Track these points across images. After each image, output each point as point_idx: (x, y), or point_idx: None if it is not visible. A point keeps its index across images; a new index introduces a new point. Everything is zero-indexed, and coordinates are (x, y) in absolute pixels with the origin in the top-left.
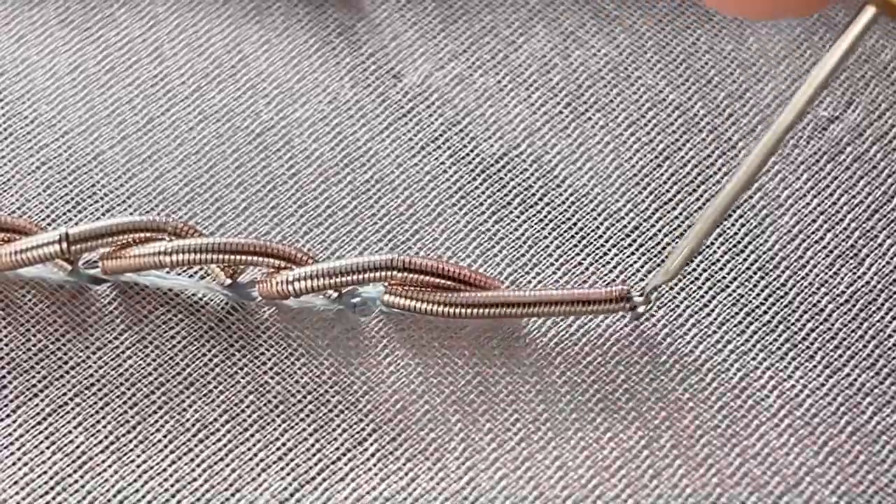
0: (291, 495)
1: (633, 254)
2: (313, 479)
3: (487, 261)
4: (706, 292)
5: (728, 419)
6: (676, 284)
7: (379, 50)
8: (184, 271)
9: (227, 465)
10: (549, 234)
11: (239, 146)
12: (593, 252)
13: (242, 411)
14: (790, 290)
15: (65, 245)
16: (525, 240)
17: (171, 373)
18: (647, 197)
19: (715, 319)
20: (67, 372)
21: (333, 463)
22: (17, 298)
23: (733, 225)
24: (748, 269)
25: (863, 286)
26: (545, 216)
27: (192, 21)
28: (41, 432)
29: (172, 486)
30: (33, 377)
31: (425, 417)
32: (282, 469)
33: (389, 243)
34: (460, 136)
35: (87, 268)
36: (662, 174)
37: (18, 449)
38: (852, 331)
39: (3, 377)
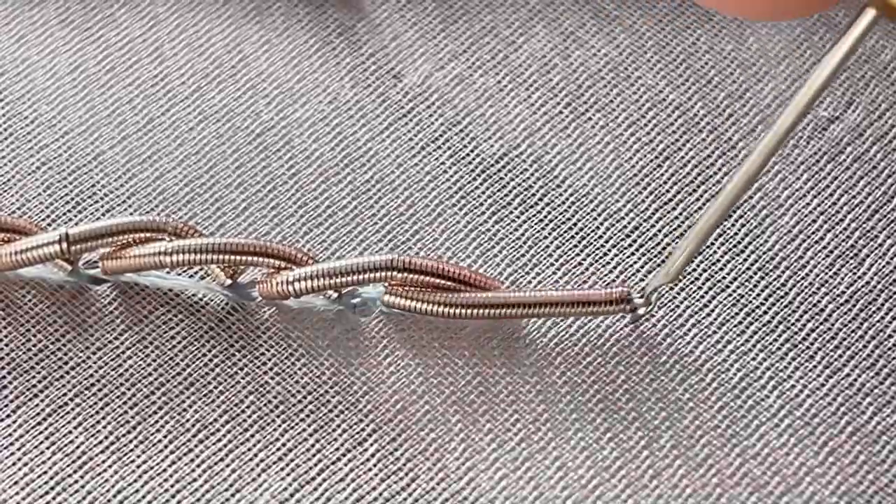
0: (291, 495)
1: (633, 254)
2: (313, 479)
3: (487, 261)
4: (706, 292)
5: (728, 419)
6: (676, 285)
7: (379, 50)
8: (184, 271)
9: (228, 466)
10: (550, 234)
11: (239, 146)
12: (593, 252)
13: (242, 412)
14: (790, 290)
15: (65, 245)
16: (525, 240)
17: (171, 373)
18: (647, 197)
19: (715, 320)
20: (67, 372)
21: (333, 463)
22: (18, 299)
23: (733, 225)
24: (748, 269)
25: (863, 286)
26: (545, 216)
27: (192, 21)
28: (41, 432)
29: (172, 486)
30: (33, 377)
31: (425, 418)
32: (282, 469)
33: (389, 243)
34: (460, 136)
35: (88, 268)
36: (662, 174)
37: (18, 449)
38: (852, 331)
39: (4, 377)
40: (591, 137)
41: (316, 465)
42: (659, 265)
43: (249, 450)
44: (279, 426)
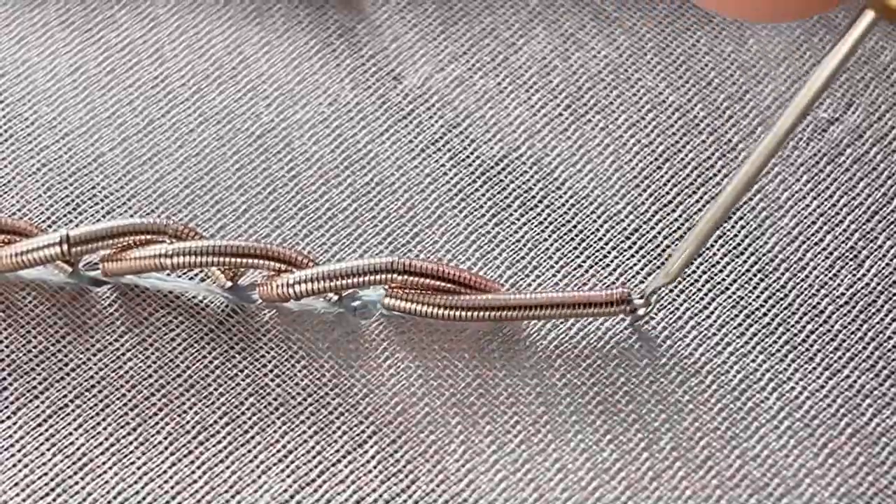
0: (291, 497)
1: (632, 256)
2: (313, 481)
3: (487, 263)
4: (706, 294)
5: (728, 421)
6: (676, 287)
7: (379, 52)
8: (184, 274)
9: (228, 468)
10: (549, 236)
11: (239, 148)
12: (593, 254)
13: (243, 413)
14: (790, 291)
15: (66, 247)
16: (525, 242)
17: (171, 375)
18: (646, 199)
19: (715, 321)
20: (68, 374)
21: (333, 465)
22: (18, 300)
23: (733, 227)
24: (748, 271)
25: (862, 288)
26: (545, 218)
27: (192, 23)
28: (42, 434)
29: (173, 487)
30: (34, 379)
31: (425, 420)
32: (282, 471)
33: (389, 246)
34: (460, 138)
35: (88, 270)
36: (662, 176)
37: (19, 451)
38: (852, 332)
39: (4, 379)
40: (590, 139)
41: (316, 466)
42: (659, 267)
43: (249, 451)
44: (279, 428)
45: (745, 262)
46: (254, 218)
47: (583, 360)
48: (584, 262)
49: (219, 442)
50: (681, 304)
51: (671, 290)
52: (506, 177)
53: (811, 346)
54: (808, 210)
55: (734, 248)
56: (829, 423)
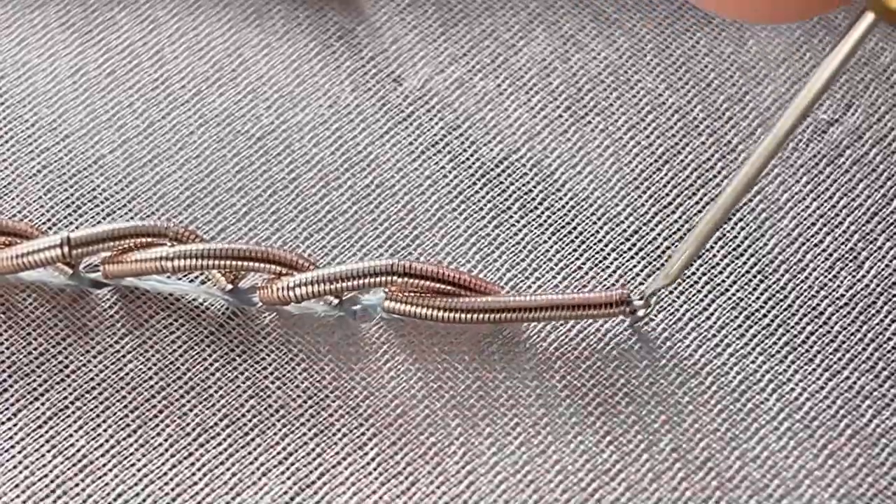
0: (292, 499)
1: (632, 258)
2: (313, 483)
3: (487, 266)
4: (706, 296)
5: (728, 422)
6: (676, 288)
7: (379, 54)
8: (185, 276)
9: (228, 470)
10: (549, 238)
11: (239, 150)
12: (593, 256)
13: (243, 416)
14: (790, 293)
15: (66, 249)
16: (525, 244)
17: (171, 377)
18: (646, 201)
19: (714, 323)
20: (68, 376)
21: (334, 467)
22: (18, 302)
23: (733, 228)
24: (748, 272)
25: (862, 289)
26: (545, 220)
27: (192, 25)
28: (42, 436)
29: (173, 489)
30: (34, 381)
31: (425, 422)
32: (282, 473)
33: (390, 248)
34: (460, 140)
35: (88, 272)
36: (662, 178)
37: (19, 452)
38: (852, 334)
39: (4, 381)
40: (590, 141)
41: (316, 469)
42: (658, 268)
43: (250, 454)
44: (279, 430)
45: (744, 263)
46: (254, 220)
47: (583, 361)
48: (583, 263)
49: (219, 444)
50: (680, 306)
51: (671, 292)
52: (506, 179)
53: (811, 347)
54: (808, 211)
55: (734, 249)
56: (828, 425)
